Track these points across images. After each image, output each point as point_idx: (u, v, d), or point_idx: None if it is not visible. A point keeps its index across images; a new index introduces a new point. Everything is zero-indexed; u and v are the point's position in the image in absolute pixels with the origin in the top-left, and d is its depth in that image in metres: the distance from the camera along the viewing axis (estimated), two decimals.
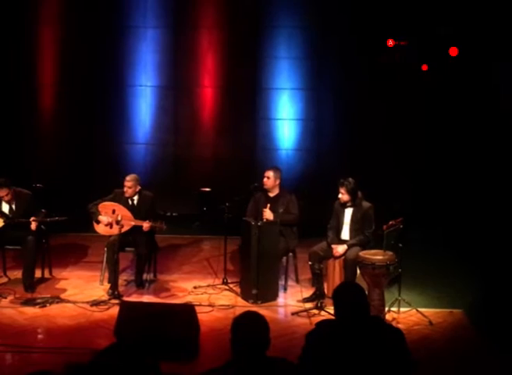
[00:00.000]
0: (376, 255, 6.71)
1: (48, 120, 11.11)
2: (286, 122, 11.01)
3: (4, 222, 7.37)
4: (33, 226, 7.34)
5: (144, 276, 7.72)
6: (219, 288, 7.66)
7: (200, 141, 11.15)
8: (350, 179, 7.20)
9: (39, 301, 7.03)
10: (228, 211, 7.71)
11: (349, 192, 7.18)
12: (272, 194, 7.79)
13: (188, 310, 6.14)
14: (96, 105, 10.87)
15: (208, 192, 10.63)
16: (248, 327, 3.46)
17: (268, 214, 7.56)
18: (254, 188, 7.84)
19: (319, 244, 7.38)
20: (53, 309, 6.88)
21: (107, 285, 7.48)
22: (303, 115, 10.96)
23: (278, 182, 7.76)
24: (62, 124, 10.95)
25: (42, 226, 7.61)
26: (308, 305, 7.09)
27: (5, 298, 7.12)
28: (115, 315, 6.06)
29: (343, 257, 7.17)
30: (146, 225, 7.37)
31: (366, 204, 7.27)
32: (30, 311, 6.81)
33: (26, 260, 7.41)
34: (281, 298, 7.40)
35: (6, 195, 7.40)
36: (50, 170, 10.81)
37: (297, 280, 7.94)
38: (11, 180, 7.50)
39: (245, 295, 7.32)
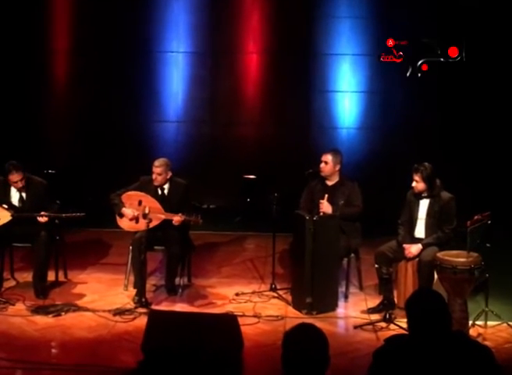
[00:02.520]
0: (458, 257, 6.64)
1: (61, 94, 11.24)
2: (346, 95, 10.94)
3: (11, 216, 7.48)
4: (42, 220, 7.45)
5: (177, 280, 7.77)
6: (266, 296, 7.68)
7: (243, 118, 11.17)
8: (426, 164, 7.12)
9: (52, 309, 7.13)
10: (277, 202, 7.71)
11: (425, 180, 7.11)
12: (330, 183, 7.76)
13: (229, 321, 6.16)
14: (118, 75, 10.95)
15: (253, 180, 10.63)
16: (303, 343, 3.45)
17: (325, 206, 7.53)
18: (309, 175, 7.81)
19: (388, 243, 7.33)
20: (69, 319, 6.97)
21: (132, 291, 7.56)
22: (367, 86, 10.88)
23: (337, 168, 7.72)
24: (78, 99, 11.06)
25: (56, 221, 7.71)
26: (374, 316, 7.07)
27: (13, 304, 7.23)
28: (143, 326, 6.10)
29: (416, 259, 7.12)
30: (178, 219, 7.42)
31: (446, 195, 7.19)
32: (42, 320, 6.90)
33: (38, 260, 7.52)
34: (341, 308, 7.38)
35: (21, 181, 7.51)
36: (64, 154, 10.96)
37: (361, 287, 7.92)
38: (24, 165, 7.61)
39: (297, 304, 7.32)
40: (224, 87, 11.09)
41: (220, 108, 11.17)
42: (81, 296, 7.63)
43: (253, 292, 7.77)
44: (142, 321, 6.47)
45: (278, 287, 7.77)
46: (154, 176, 7.66)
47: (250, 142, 11.06)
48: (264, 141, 11.00)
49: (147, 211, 7.43)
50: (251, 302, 7.50)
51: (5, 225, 7.48)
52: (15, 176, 7.49)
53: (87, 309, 7.18)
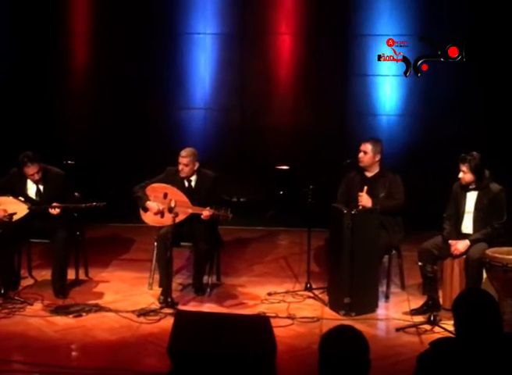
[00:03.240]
0: (509, 254, 6.61)
1: (82, 80, 11.28)
2: (387, 79, 10.87)
3: (28, 208, 7.53)
4: (54, 212, 7.47)
5: (205, 278, 7.78)
6: (301, 295, 7.69)
7: (275, 105, 11.15)
8: (475, 153, 7.08)
9: (72, 309, 7.18)
10: (312, 195, 7.70)
11: (473, 170, 7.06)
12: (369, 174, 7.74)
13: (261, 323, 6.16)
14: (141, 59, 10.97)
15: (286, 171, 10.63)
16: (341, 346, 3.45)
17: (364, 199, 7.51)
18: (347, 166, 7.81)
19: (432, 239, 7.30)
20: (90, 320, 7.01)
21: (158, 290, 7.59)
22: None
23: (378, 158, 7.70)
24: (99, 85, 11.10)
25: (75, 215, 7.75)
26: (418, 318, 7.05)
27: (31, 304, 7.29)
28: (169, 328, 6.12)
29: (464, 256, 7.09)
30: (206, 213, 7.42)
31: (495, 186, 7.15)
32: (62, 321, 6.96)
33: (57, 257, 7.57)
34: (381, 309, 7.37)
35: (37, 173, 7.54)
36: (84, 143, 11.00)
37: (403, 286, 7.89)
38: (40, 156, 7.64)
39: (334, 305, 7.32)
40: (255, 71, 11.06)
41: (251, 94, 11.16)
42: (103, 295, 7.68)
43: (286, 292, 7.78)
44: (168, 322, 6.49)
45: (313, 286, 7.77)
46: (180, 168, 7.67)
47: (283, 130, 11.04)
48: (298, 129, 10.97)
49: (173, 204, 7.45)
50: (285, 303, 7.50)
51: (21, 219, 7.52)
52: (30, 169, 7.52)
53: (109, 310, 7.22)
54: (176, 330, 5.95)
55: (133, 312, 7.13)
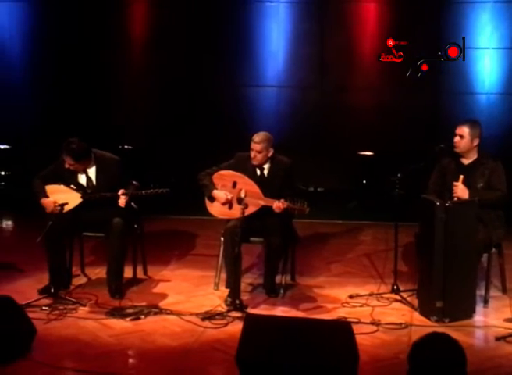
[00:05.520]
0: None
1: (140, 56, 11.40)
2: (486, 52, 10.77)
3: (81, 197, 7.62)
4: (122, 201, 7.53)
5: (278, 278, 7.81)
6: (387, 299, 7.66)
7: (358, 82, 11.12)
8: None
9: (130, 311, 7.25)
10: (400, 185, 7.66)
11: None
12: (466, 161, 7.67)
13: (341, 330, 6.15)
14: (205, 31, 11.02)
15: (370, 157, 10.60)
16: (435, 357, 3.43)
17: (460, 190, 7.44)
18: (440, 151, 7.74)
19: None
20: (149, 323, 7.07)
21: (225, 291, 7.62)
22: None
23: (476, 143, 7.62)
24: (159, 61, 11.19)
25: (133, 205, 7.81)
26: None
27: (84, 305, 7.38)
28: (237, 333, 6.16)
29: None
30: (279, 205, 7.42)
31: None
32: (118, 325, 7.03)
33: (112, 253, 7.64)
34: (479, 316, 7.30)
35: (72, 165, 7.58)
36: (142, 126, 11.11)
37: (504, 289, 7.83)
38: (88, 142, 7.67)
39: (425, 310, 7.28)
40: (335, 44, 11.05)
41: (330, 69, 11.15)
42: (163, 296, 7.74)
43: (370, 294, 7.76)
44: (236, 327, 6.54)
45: (401, 288, 7.73)
46: (252, 154, 7.65)
47: (366, 111, 11.01)
48: (384, 110, 10.93)
49: (242, 195, 7.47)
50: (368, 307, 7.48)
51: (74, 210, 7.61)
52: (66, 159, 7.56)
53: (170, 312, 7.27)
54: (245, 335, 5.98)
55: (197, 315, 7.16)
